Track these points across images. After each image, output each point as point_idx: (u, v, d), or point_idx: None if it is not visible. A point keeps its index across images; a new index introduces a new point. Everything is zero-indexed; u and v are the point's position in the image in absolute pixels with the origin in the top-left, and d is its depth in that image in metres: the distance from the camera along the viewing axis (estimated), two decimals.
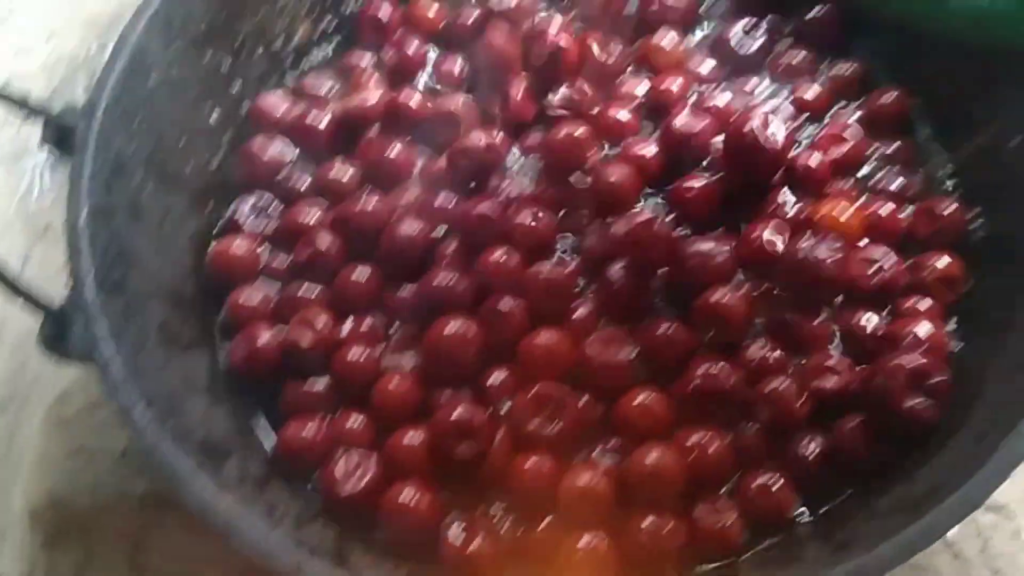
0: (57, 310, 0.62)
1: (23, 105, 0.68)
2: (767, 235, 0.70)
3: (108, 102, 0.71)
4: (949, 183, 0.78)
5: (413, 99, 0.81)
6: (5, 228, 0.96)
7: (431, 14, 0.90)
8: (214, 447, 0.65)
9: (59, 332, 0.62)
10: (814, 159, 0.75)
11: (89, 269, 0.64)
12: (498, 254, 0.72)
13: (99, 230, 0.67)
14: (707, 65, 0.84)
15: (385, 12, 0.89)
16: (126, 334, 0.64)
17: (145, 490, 0.76)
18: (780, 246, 0.70)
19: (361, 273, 0.75)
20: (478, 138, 0.77)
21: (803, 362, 0.69)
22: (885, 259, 0.71)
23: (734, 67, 0.84)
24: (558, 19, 0.81)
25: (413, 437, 0.67)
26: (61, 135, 0.69)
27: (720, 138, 0.75)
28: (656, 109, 0.81)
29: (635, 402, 0.67)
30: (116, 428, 0.79)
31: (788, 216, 0.73)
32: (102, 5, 1.19)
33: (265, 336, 0.72)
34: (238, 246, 0.77)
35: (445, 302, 0.71)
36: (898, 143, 0.79)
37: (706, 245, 0.70)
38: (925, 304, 0.70)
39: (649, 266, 0.71)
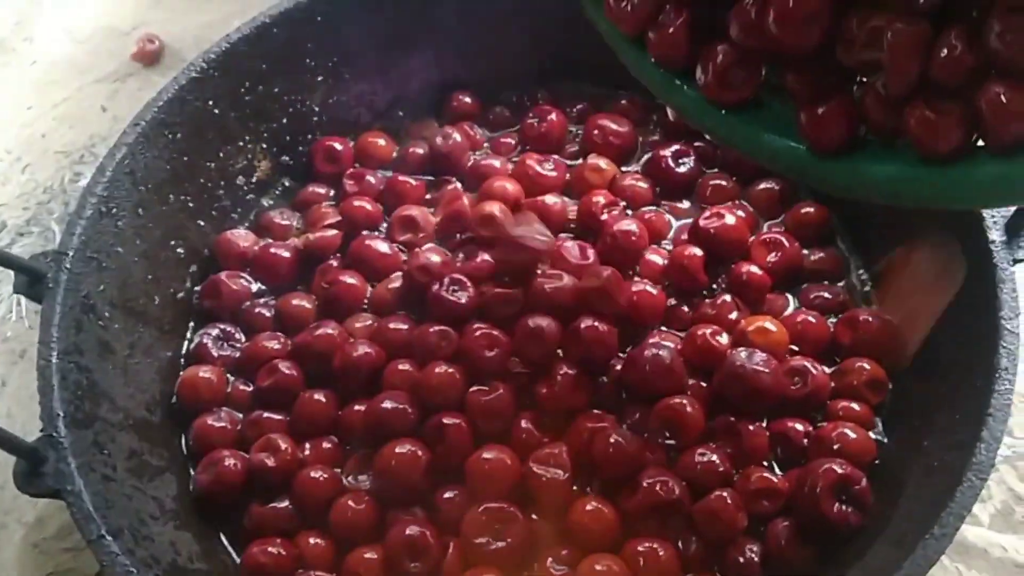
0: (29, 449, 0.66)
1: None
2: (711, 335, 0.76)
3: (77, 248, 0.76)
4: (869, 290, 0.84)
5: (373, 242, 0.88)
6: None
7: (382, 143, 0.96)
8: (183, 571, 0.69)
9: (32, 469, 0.66)
10: (755, 268, 0.82)
11: (59, 407, 0.69)
12: (440, 371, 0.77)
13: (69, 369, 0.72)
14: (639, 185, 0.90)
15: (338, 143, 0.95)
16: (96, 467, 0.69)
17: None
18: (725, 341, 0.76)
19: (318, 397, 0.79)
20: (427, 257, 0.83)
21: (745, 473, 0.73)
22: (811, 370, 0.76)
23: (665, 189, 0.90)
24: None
25: (369, 557, 0.71)
26: (32, 281, 0.74)
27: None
28: (585, 224, 0.87)
29: (583, 513, 0.71)
30: (90, 552, 0.82)
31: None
32: (73, 137, 1.25)
33: (230, 460, 0.76)
34: (205, 375, 0.81)
35: (392, 424, 0.75)
36: (821, 253, 0.85)
37: (659, 346, 0.75)
38: (851, 409, 0.75)
39: (596, 364, 0.76)
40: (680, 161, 0.90)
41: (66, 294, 0.74)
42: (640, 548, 0.69)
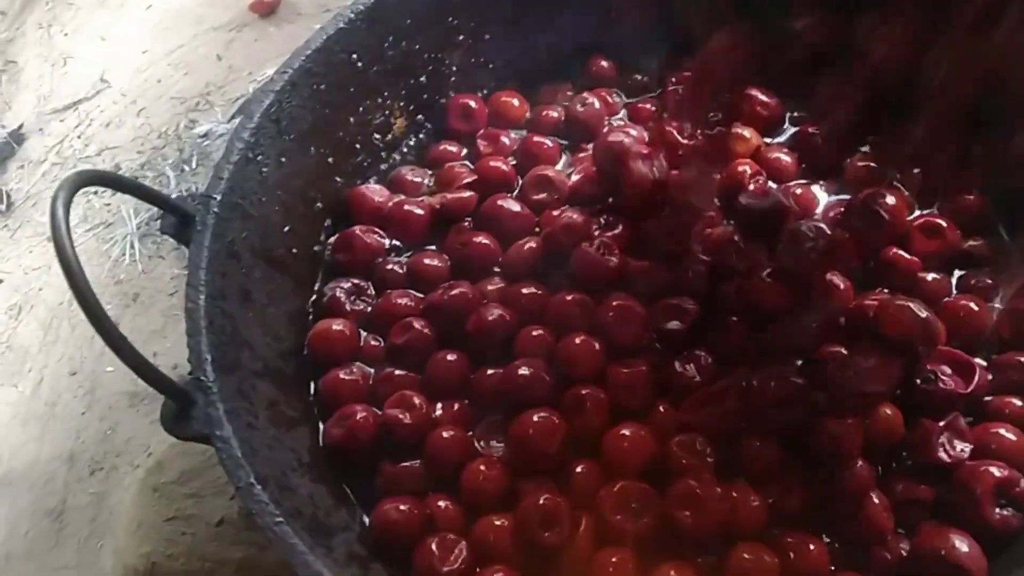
0: (179, 391, 0.66)
1: (148, 195, 0.73)
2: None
3: (224, 192, 0.75)
4: None
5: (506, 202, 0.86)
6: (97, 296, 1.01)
7: (516, 104, 0.95)
8: (322, 525, 0.68)
9: (181, 412, 0.66)
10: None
11: (208, 351, 0.68)
12: (580, 341, 0.75)
13: (215, 314, 0.71)
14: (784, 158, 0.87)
15: (473, 101, 0.94)
16: (241, 414, 0.68)
17: (242, 557, 0.79)
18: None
19: (451, 358, 0.78)
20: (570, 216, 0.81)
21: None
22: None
23: (810, 165, 0.88)
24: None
25: (500, 524, 0.70)
26: (181, 222, 0.73)
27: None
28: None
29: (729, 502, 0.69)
30: (213, 497, 0.83)
31: None
32: (188, 84, 1.25)
33: (363, 415, 0.76)
34: (338, 328, 0.81)
35: (529, 392, 0.74)
36: (981, 241, 0.82)
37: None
38: (1013, 405, 0.72)
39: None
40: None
41: (213, 238, 0.73)
42: (790, 540, 0.67)
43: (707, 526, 0.67)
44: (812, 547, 0.67)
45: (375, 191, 0.89)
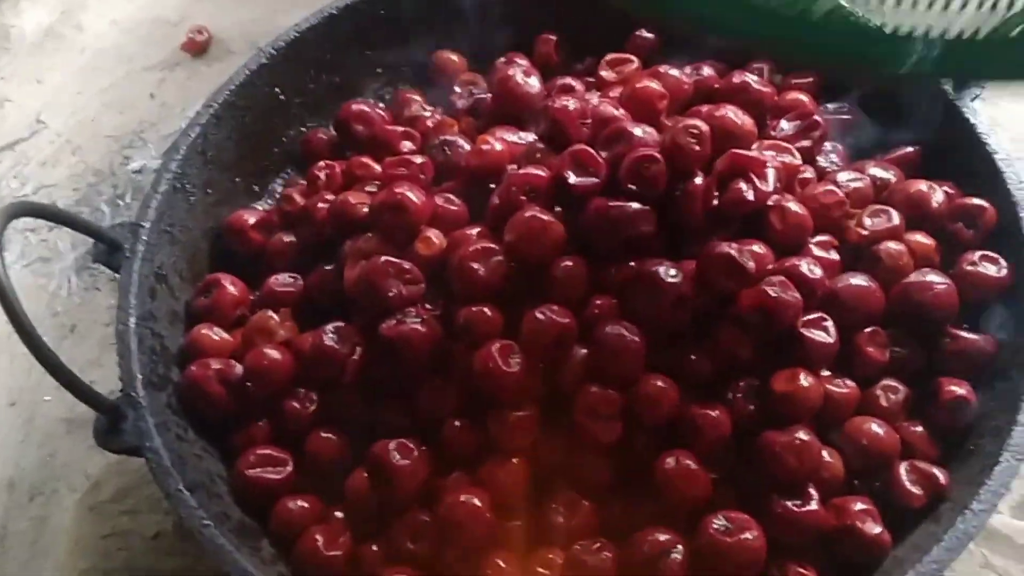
0: (110, 407, 0.69)
1: (79, 225, 0.77)
2: None
3: (153, 220, 0.79)
4: None
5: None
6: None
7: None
8: (248, 527, 0.72)
9: (112, 426, 0.69)
10: None
11: (138, 369, 0.72)
12: None
13: (145, 334, 0.75)
14: None
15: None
16: (171, 427, 0.72)
17: (176, 567, 0.82)
18: None
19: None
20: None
21: None
22: None
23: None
24: None
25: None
26: (110, 250, 0.77)
27: None
28: None
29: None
30: (148, 512, 0.86)
31: None
32: (122, 122, 1.29)
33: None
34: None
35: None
36: None
37: None
38: None
39: None
40: None
41: (142, 264, 0.77)
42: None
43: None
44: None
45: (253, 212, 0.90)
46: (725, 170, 0.74)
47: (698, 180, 0.73)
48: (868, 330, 0.73)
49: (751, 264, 0.69)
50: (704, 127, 0.74)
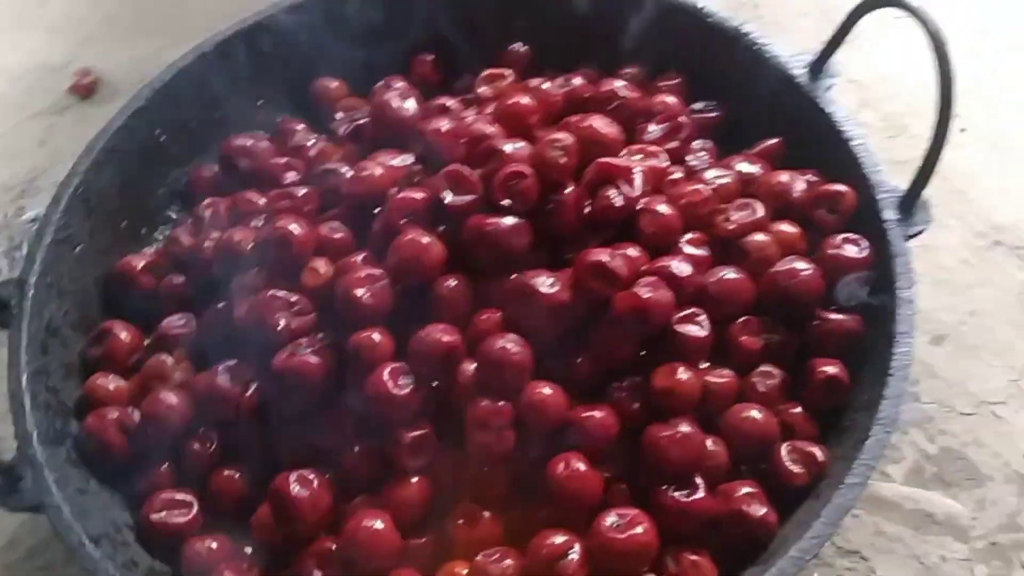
0: (7, 467, 0.69)
1: None
2: None
3: (38, 274, 0.79)
4: None
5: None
6: None
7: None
8: (157, 573, 0.73)
9: (11, 486, 0.70)
10: None
11: (32, 426, 0.72)
12: None
13: (38, 390, 0.75)
14: None
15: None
16: (72, 480, 0.72)
17: None
18: None
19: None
20: None
21: None
22: None
23: None
24: None
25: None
26: None
27: None
28: None
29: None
30: (62, 567, 0.85)
31: None
32: (13, 172, 1.27)
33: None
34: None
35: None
36: None
37: None
38: None
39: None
40: None
41: (31, 319, 0.77)
42: None
43: None
44: None
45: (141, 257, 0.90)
46: (594, 179, 0.77)
47: (568, 190, 0.76)
48: (741, 320, 0.76)
49: (622, 268, 0.72)
50: (569, 139, 0.76)
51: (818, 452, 0.73)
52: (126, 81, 1.34)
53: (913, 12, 0.74)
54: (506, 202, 0.75)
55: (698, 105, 0.94)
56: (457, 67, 1.01)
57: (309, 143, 0.93)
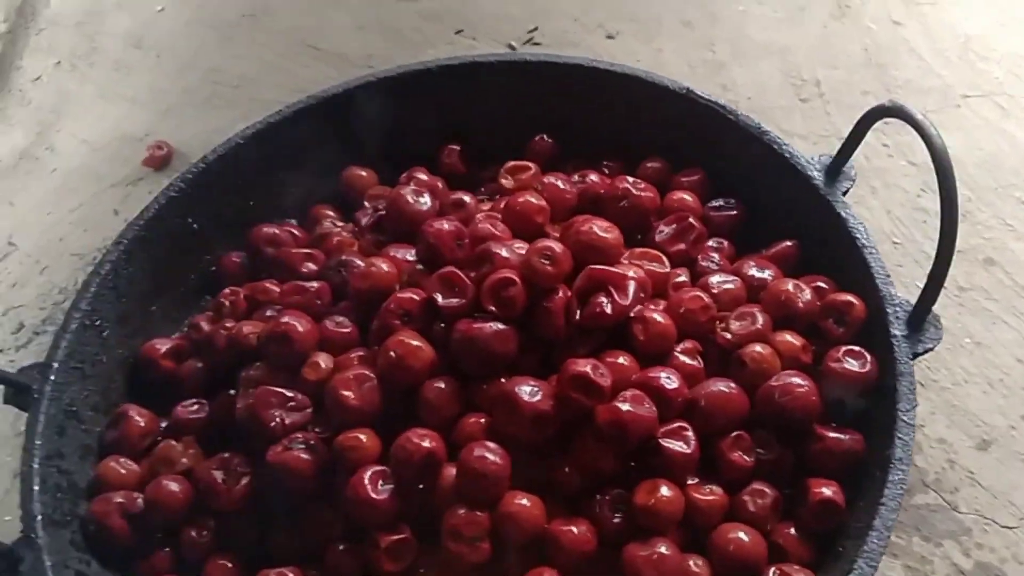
0: (6, 551, 0.73)
1: None
2: None
3: (61, 360, 0.83)
4: None
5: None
6: None
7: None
8: None
9: (10, 569, 0.73)
10: None
11: (38, 509, 0.76)
12: None
13: (50, 473, 0.79)
14: None
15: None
16: (71, 563, 0.75)
17: None
18: None
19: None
20: None
21: None
22: None
23: None
24: None
25: None
26: (18, 391, 0.81)
27: None
28: None
29: None
30: None
31: None
32: (88, 240, 1.34)
33: None
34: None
35: None
36: None
37: None
38: None
39: None
40: None
41: (50, 403, 0.81)
42: None
43: None
44: None
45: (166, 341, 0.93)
46: (584, 285, 0.77)
47: (557, 297, 0.75)
48: (733, 435, 0.74)
49: (605, 381, 0.71)
50: (558, 248, 0.77)
51: None
52: (199, 152, 1.40)
53: (916, 126, 0.71)
54: (492, 308, 0.75)
55: (717, 202, 0.92)
56: (484, 158, 1.03)
57: (336, 230, 0.95)
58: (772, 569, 0.71)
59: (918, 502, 0.91)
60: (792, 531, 0.73)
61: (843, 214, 0.82)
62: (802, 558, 0.72)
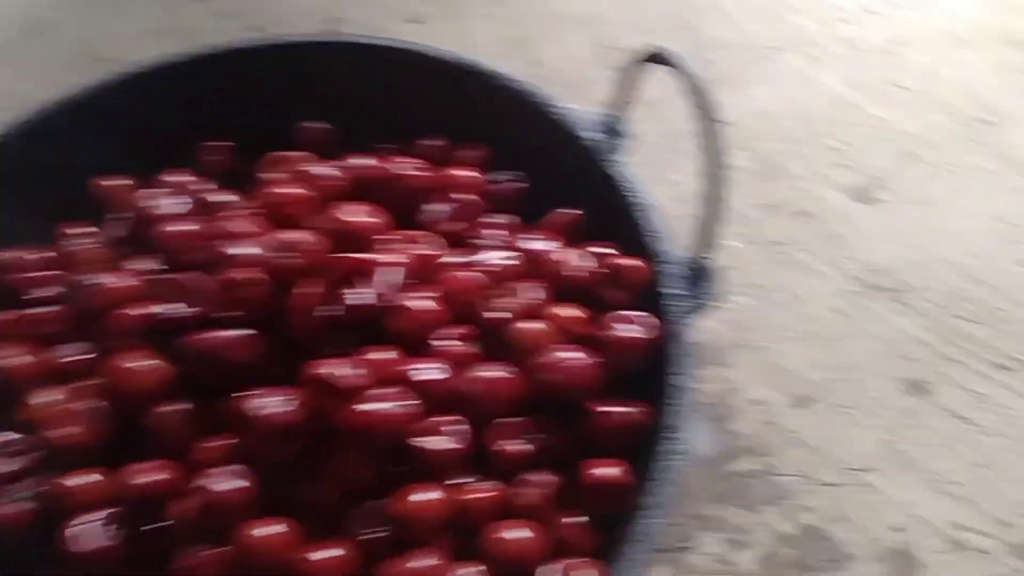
0: None
1: None
2: None
3: None
4: None
5: None
6: None
7: None
8: None
9: None
10: None
11: None
12: None
13: None
14: None
15: None
16: None
17: None
18: None
19: None
20: None
21: None
22: None
23: None
24: None
25: None
26: None
27: None
28: None
29: None
30: None
31: None
32: None
33: None
34: None
35: None
36: None
37: None
38: None
39: None
40: None
41: None
42: None
43: None
44: None
45: None
46: (337, 278, 0.69)
47: (298, 293, 0.67)
48: (497, 423, 0.67)
49: (346, 381, 0.63)
50: (303, 238, 0.69)
51: (594, 572, 0.63)
52: None
53: (676, 65, 0.66)
54: (228, 312, 0.67)
55: (501, 176, 0.86)
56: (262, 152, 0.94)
57: (78, 249, 0.85)
58: (552, 564, 0.64)
59: (737, 469, 0.86)
60: (576, 519, 0.66)
61: (611, 172, 0.76)
62: (585, 548, 0.65)
